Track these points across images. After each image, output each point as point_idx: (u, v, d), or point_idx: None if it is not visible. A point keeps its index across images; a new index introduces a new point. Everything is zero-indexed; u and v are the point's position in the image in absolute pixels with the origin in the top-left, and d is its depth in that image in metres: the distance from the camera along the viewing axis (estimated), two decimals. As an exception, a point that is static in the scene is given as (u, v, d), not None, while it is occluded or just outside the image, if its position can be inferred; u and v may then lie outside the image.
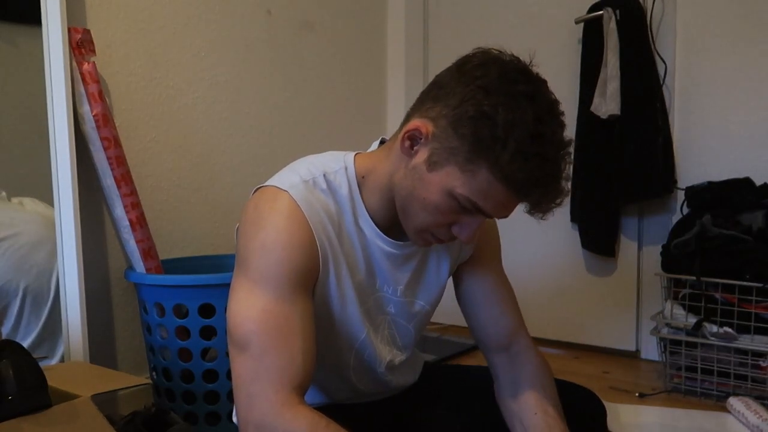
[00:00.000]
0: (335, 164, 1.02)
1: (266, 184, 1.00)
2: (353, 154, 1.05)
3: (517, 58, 0.91)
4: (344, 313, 1.03)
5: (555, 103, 0.90)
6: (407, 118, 0.97)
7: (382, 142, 1.07)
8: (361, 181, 1.01)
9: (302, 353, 0.90)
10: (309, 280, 0.96)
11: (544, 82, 0.91)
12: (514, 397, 1.09)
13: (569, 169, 0.91)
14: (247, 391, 0.89)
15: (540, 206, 0.91)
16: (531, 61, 0.91)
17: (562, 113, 0.90)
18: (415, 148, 0.93)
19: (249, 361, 0.90)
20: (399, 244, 1.04)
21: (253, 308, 0.91)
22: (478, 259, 1.15)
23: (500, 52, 0.92)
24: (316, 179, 0.99)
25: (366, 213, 1.01)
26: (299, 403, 0.88)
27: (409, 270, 1.08)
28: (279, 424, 0.86)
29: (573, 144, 0.91)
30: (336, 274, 1.00)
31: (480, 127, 0.85)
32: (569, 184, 0.92)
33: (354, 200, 1.01)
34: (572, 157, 0.93)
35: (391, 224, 1.03)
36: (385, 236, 1.03)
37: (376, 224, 1.02)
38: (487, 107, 0.85)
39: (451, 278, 1.16)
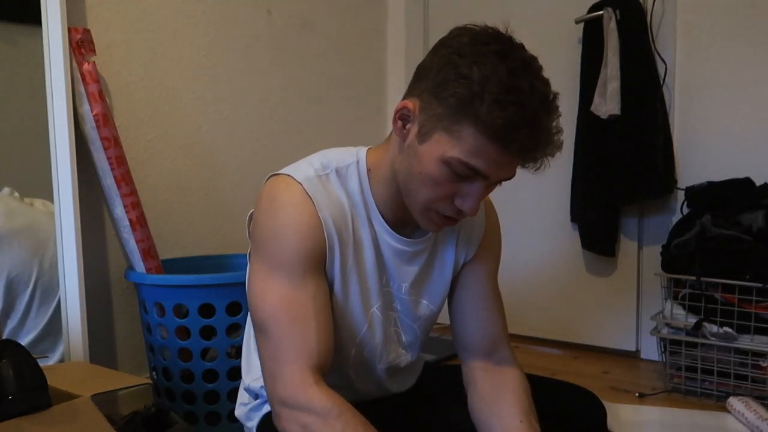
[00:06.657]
0: (349, 158, 1.05)
1: (281, 172, 1.02)
2: (366, 148, 1.07)
3: (491, 27, 0.94)
4: (346, 305, 1.04)
5: (531, 59, 0.91)
6: None
7: None
8: (370, 174, 1.04)
9: (316, 334, 0.95)
10: (319, 263, 0.99)
11: (521, 45, 0.92)
12: (495, 401, 1.07)
13: (558, 122, 0.91)
14: (270, 370, 0.96)
15: (527, 154, 0.90)
16: (507, 29, 0.93)
17: (541, 68, 0.91)
18: (407, 126, 0.96)
19: (268, 343, 0.96)
20: (407, 240, 1.06)
21: (269, 294, 0.97)
22: (479, 261, 1.15)
23: (473, 24, 0.94)
24: (329, 174, 1.02)
25: (376, 208, 1.04)
26: (315, 383, 0.93)
27: (416, 268, 1.09)
28: (296, 403, 0.92)
29: (558, 97, 0.91)
30: (341, 265, 1.01)
31: (458, 88, 0.88)
32: (561, 137, 0.92)
33: (364, 195, 1.04)
34: (559, 108, 0.91)
35: (400, 220, 1.05)
36: (393, 232, 1.05)
37: (385, 220, 1.04)
38: (462, 68, 0.88)
39: None
